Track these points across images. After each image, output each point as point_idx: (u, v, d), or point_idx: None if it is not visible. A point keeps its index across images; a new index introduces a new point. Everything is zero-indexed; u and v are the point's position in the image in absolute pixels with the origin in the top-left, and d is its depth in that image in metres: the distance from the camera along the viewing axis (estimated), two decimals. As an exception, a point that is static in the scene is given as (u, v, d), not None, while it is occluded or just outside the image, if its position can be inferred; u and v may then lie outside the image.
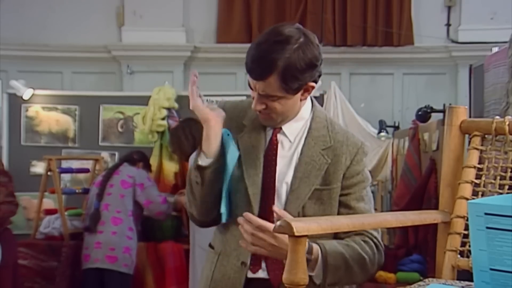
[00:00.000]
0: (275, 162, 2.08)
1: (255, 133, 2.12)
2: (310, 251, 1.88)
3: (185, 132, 4.68)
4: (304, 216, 2.01)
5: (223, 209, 2.06)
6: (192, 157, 4.74)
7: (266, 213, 2.03)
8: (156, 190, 4.99)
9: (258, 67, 1.95)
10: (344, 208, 2.06)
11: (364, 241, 2.03)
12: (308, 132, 2.09)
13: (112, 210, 4.80)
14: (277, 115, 2.04)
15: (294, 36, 1.95)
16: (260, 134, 2.11)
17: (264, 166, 2.07)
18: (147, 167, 5.20)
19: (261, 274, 2.10)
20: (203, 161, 2.02)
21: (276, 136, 2.10)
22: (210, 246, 2.25)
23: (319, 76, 2.03)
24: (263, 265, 2.09)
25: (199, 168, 2.02)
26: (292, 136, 2.10)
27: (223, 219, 2.09)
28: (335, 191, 2.07)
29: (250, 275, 2.10)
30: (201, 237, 4.06)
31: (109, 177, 4.90)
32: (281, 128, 2.10)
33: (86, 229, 4.86)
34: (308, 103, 2.13)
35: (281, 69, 1.92)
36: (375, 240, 2.06)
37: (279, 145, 2.10)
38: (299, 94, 2.03)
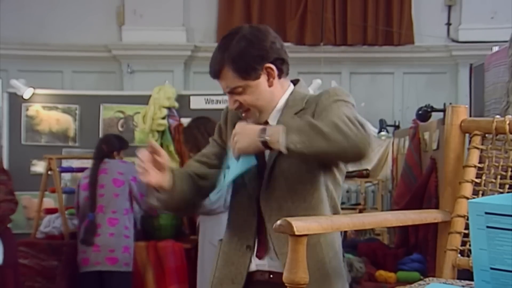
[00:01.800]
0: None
1: None
2: (264, 131, 1.90)
3: (200, 131, 4.66)
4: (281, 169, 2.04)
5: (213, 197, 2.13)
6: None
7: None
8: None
9: (211, 68, 2.11)
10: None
11: (348, 124, 1.87)
12: (284, 106, 2.12)
13: (107, 212, 4.77)
14: (253, 107, 2.09)
15: (237, 32, 2.09)
16: None
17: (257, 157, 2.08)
18: (123, 147, 5.05)
19: (267, 262, 2.09)
20: (155, 200, 2.13)
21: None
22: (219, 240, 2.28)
23: (282, 61, 2.10)
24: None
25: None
26: (275, 121, 2.13)
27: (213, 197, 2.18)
28: None
29: (257, 262, 2.10)
30: (212, 233, 4.06)
31: (96, 178, 4.81)
32: (267, 122, 2.11)
33: (82, 241, 4.81)
34: (288, 90, 2.16)
35: (229, 60, 2.05)
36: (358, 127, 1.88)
37: None
38: (263, 80, 2.08)
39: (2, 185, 4.24)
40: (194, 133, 4.66)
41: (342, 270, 2.10)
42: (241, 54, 2.05)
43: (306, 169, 2.03)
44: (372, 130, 6.76)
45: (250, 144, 1.92)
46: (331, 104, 2.00)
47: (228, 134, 2.17)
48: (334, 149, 1.81)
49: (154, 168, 2.02)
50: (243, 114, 2.13)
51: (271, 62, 2.08)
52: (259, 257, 2.10)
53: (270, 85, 2.10)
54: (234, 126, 2.02)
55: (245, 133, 1.93)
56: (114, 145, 4.98)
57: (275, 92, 2.11)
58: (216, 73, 2.11)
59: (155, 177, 2.02)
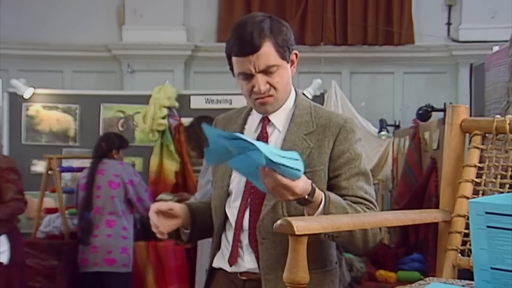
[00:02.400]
0: None
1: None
2: (312, 194, 1.82)
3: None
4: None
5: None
6: None
7: (250, 214, 2.03)
8: (143, 185, 4.98)
9: (250, 40, 1.94)
10: (337, 190, 1.98)
11: (368, 208, 1.97)
12: (291, 119, 2.06)
13: (104, 213, 4.77)
14: (278, 92, 2.02)
15: (265, 15, 2.03)
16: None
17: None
18: (123, 145, 5.08)
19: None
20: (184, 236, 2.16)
21: (266, 128, 2.09)
22: None
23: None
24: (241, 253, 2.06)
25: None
26: (280, 125, 2.07)
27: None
28: (318, 174, 1.98)
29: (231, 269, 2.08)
30: None
31: (93, 178, 4.82)
32: (269, 120, 2.08)
33: (80, 242, 4.83)
34: (292, 93, 2.11)
35: (271, 35, 1.97)
36: (375, 210, 2.00)
37: (270, 137, 2.08)
38: (288, 66, 2.05)
39: (13, 184, 4.24)
40: (197, 132, 4.65)
41: (333, 271, 2.07)
42: (279, 31, 1.99)
43: None
44: (373, 130, 6.76)
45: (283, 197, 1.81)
46: (348, 162, 2.00)
47: None
48: (352, 243, 1.93)
49: (167, 219, 2.05)
50: (261, 101, 2.02)
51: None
52: (232, 264, 2.07)
53: (292, 74, 2.07)
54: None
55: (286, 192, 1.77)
56: (113, 143, 4.98)
57: (289, 86, 2.08)
58: (256, 47, 1.94)
59: (167, 227, 2.05)
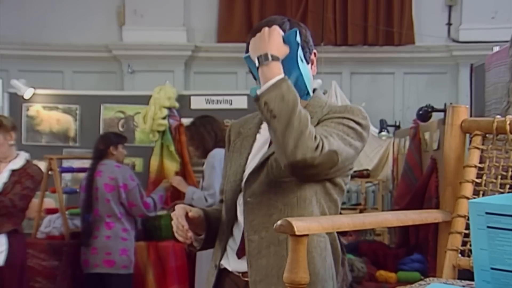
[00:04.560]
0: None
1: (245, 141, 2.12)
2: (278, 67, 1.87)
3: (207, 129, 4.63)
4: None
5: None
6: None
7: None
8: (140, 191, 4.83)
9: None
10: None
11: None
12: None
13: (103, 215, 4.75)
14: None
15: (284, 18, 2.07)
16: (249, 141, 2.11)
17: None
18: (120, 141, 5.01)
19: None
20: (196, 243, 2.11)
21: None
22: None
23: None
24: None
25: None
26: None
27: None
28: None
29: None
30: None
31: (92, 180, 4.79)
32: None
33: (81, 243, 4.84)
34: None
35: (298, 31, 1.99)
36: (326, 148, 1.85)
37: None
38: (310, 66, 2.09)
39: (22, 188, 4.23)
40: (200, 132, 4.64)
41: (330, 272, 2.04)
42: (301, 28, 2.04)
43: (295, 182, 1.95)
44: (373, 130, 6.76)
45: (254, 48, 1.92)
46: (337, 117, 1.94)
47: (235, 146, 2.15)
48: (279, 138, 1.79)
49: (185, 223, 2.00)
50: None
51: None
52: (241, 256, 2.05)
53: (313, 73, 2.10)
54: (237, 137, 2.08)
55: (261, 41, 1.91)
56: (109, 139, 4.94)
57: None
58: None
59: (184, 236, 2.01)
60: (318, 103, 2.07)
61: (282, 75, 1.84)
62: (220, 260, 2.09)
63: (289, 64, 1.94)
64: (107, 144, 4.91)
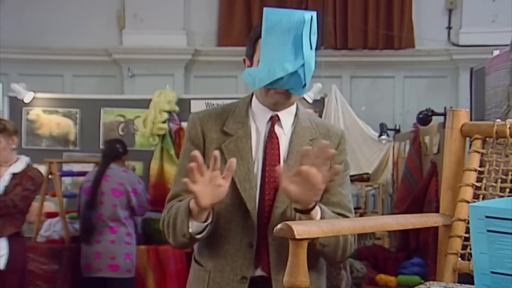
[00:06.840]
0: (278, 160, 2.05)
1: (241, 142, 2.07)
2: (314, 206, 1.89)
3: None
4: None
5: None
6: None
7: (264, 223, 2.01)
8: (145, 192, 5.04)
9: None
10: (326, 193, 2.01)
11: (347, 217, 2.05)
12: (296, 124, 2.10)
13: (106, 220, 4.76)
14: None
15: None
16: (247, 143, 2.07)
17: (265, 163, 2.05)
18: (126, 152, 5.14)
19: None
20: (196, 227, 1.98)
21: (274, 128, 2.08)
22: (196, 261, 2.20)
23: None
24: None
25: (191, 236, 2.00)
26: (287, 128, 2.09)
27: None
28: None
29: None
30: None
31: (98, 183, 4.81)
32: (278, 119, 2.07)
33: (81, 240, 4.84)
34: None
35: None
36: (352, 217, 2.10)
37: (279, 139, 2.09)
38: None
39: (22, 190, 4.23)
40: None
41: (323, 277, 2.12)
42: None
43: None
44: (373, 134, 6.76)
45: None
46: (342, 171, 2.03)
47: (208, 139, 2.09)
48: (330, 256, 2.01)
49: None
50: (280, 96, 2.02)
51: None
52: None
53: None
54: (216, 136, 2.06)
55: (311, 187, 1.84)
56: (125, 147, 5.09)
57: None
58: None
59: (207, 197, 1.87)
60: (303, 115, 2.14)
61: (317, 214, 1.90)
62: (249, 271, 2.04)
63: (296, 45, 1.92)
64: (125, 149, 5.00)
